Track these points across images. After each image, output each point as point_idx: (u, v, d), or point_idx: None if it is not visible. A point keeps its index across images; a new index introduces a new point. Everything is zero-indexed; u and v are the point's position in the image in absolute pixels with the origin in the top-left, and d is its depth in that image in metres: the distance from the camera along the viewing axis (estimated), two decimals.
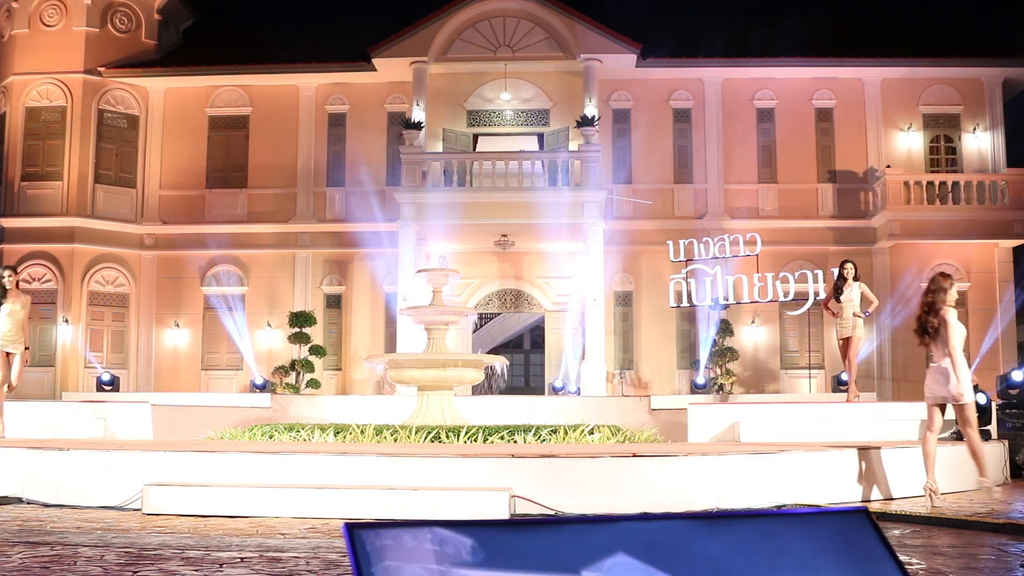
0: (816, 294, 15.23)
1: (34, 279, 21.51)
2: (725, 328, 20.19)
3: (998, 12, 38.34)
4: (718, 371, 20.03)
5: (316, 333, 21.20)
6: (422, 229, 20.26)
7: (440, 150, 21.42)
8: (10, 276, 10.49)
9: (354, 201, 21.70)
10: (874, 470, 8.09)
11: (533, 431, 10.29)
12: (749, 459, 7.59)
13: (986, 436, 9.76)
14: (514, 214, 19.56)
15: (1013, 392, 11.94)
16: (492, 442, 9.76)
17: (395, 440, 9.96)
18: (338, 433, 10.46)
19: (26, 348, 10.51)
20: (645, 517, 1.27)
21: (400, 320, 19.21)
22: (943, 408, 7.64)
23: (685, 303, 16.97)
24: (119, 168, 22.36)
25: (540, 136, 22.24)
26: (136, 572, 4.39)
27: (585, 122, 20.17)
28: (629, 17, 23.39)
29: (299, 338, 20.64)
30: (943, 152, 21.95)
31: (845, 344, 12.77)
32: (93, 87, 22.14)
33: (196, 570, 4.48)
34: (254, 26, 26.65)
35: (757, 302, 16.95)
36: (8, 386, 10.45)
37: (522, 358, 25.64)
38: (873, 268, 20.78)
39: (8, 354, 10.43)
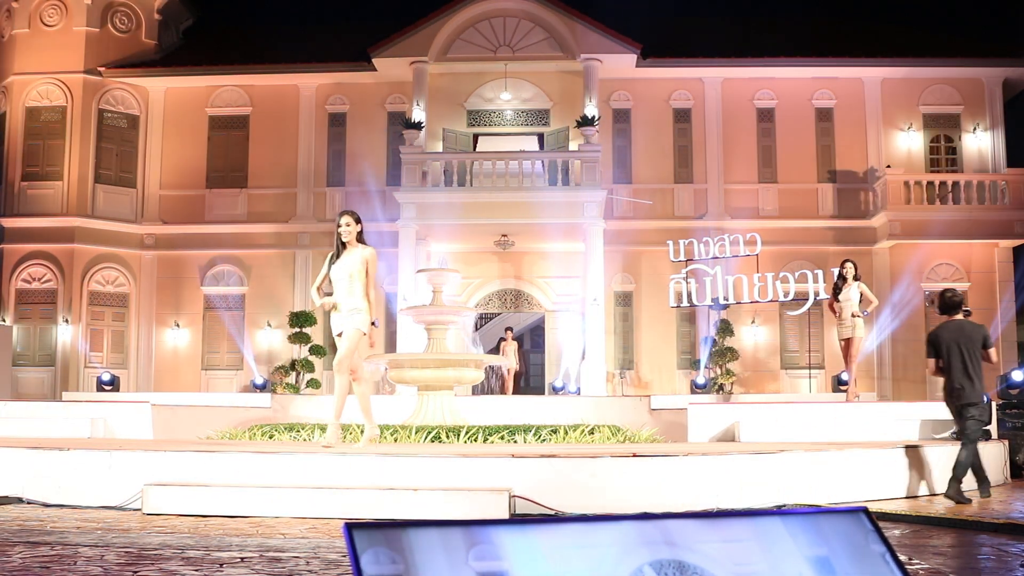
0: (816, 294, 15.22)
1: (34, 279, 21.53)
2: (725, 328, 20.18)
3: (998, 12, 38.35)
4: (718, 371, 20.02)
5: (316, 333, 21.19)
6: (422, 229, 20.26)
7: (440, 150, 21.42)
8: (348, 224, 8.04)
9: (354, 201, 21.67)
10: (874, 470, 8.08)
11: (533, 431, 10.28)
12: (749, 459, 7.59)
13: (986, 436, 9.75)
14: (514, 214, 19.56)
15: (1013, 392, 11.93)
16: (492, 442, 9.75)
17: (395, 440, 9.96)
18: None
19: (372, 323, 7.76)
20: (645, 517, 1.27)
21: (400, 320, 19.22)
22: None
23: (685, 303, 16.97)
24: (119, 168, 22.36)
25: (540, 136, 22.24)
26: (136, 572, 4.39)
27: (585, 122, 20.17)
28: (629, 17, 23.37)
29: (299, 338, 20.63)
30: (943, 152, 21.95)
31: (847, 345, 12.78)
32: (93, 87, 22.14)
33: (196, 570, 4.48)
34: (254, 26, 26.65)
35: (757, 302, 16.95)
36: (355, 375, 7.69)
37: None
38: (873, 268, 20.78)
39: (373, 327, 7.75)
